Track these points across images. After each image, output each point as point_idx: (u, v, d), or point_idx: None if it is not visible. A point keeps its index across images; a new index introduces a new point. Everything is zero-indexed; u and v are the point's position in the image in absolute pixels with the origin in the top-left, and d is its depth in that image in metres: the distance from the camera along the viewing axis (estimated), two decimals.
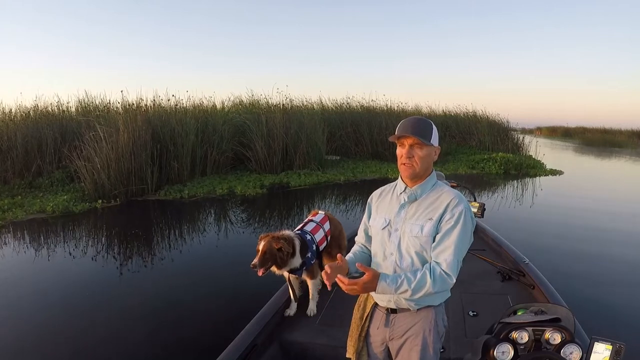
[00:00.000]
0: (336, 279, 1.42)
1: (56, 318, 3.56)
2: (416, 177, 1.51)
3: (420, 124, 1.48)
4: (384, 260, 1.55)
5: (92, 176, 7.77)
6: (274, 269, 2.69)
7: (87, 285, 4.25)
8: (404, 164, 1.48)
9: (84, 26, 46.90)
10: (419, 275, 1.42)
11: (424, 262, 1.48)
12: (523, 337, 1.64)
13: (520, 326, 1.66)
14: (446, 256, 1.42)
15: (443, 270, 1.41)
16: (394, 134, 1.50)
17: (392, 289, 1.40)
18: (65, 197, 7.54)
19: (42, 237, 5.87)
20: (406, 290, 1.40)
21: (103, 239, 5.86)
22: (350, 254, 1.70)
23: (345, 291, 1.41)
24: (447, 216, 1.45)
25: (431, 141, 1.47)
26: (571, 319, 1.71)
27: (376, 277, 1.40)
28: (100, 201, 7.45)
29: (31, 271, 4.66)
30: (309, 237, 2.97)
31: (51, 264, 4.82)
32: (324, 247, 3.15)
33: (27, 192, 8.14)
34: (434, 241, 1.47)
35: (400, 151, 1.50)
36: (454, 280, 1.43)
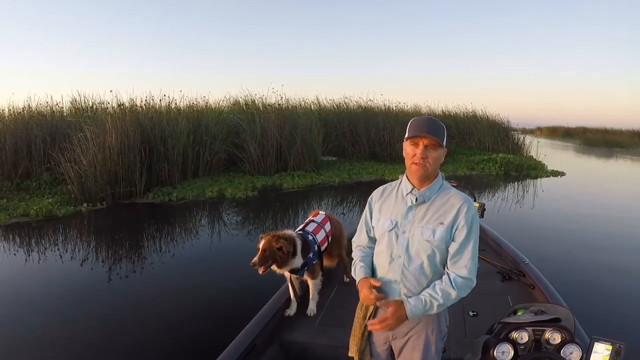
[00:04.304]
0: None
1: (45, 324, 3.47)
2: (426, 178, 1.50)
3: (435, 125, 1.48)
4: (390, 262, 1.54)
5: (79, 179, 7.56)
6: (274, 267, 2.69)
7: (74, 291, 4.15)
8: (417, 163, 1.47)
9: (83, 26, 46.83)
10: (439, 291, 1.45)
11: (433, 264, 1.50)
12: (523, 337, 1.65)
13: (520, 326, 1.67)
14: (466, 262, 1.47)
15: (464, 277, 1.46)
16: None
17: (422, 309, 1.45)
18: (50, 200, 7.33)
19: (23, 242, 5.69)
20: (436, 307, 1.45)
21: (87, 243, 5.68)
22: (361, 263, 1.66)
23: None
24: (460, 223, 1.47)
25: (443, 143, 1.48)
26: (571, 319, 1.72)
27: (398, 303, 1.45)
28: (85, 204, 7.24)
29: (11, 277, 4.52)
30: (310, 237, 2.95)
31: (32, 269, 4.66)
32: (325, 248, 3.15)
33: (14, 194, 7.94)
34: (447, 248, 1.49)
35: (413, 150, 1.48)
36: (475, 281, 1.49)
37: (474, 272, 1.48)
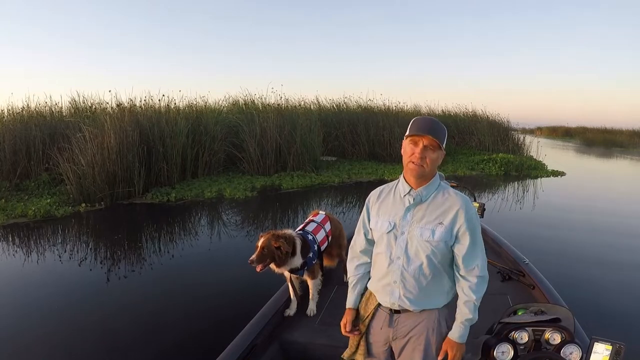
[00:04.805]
0: None
1: (43, 324, 3.45)
2: (423, 178, 1.50)
3: (437, 126, 1.48)
4: (389, 264, 1.54)
5: (78, 179, 7.53)
6: (273, 266, 2.71)
7: (72, 291, 4.14)
8: (415, 162, 1.46)
9: (82, 26, 46.76)
10: (464, 307, 1.51)
11: (432, 265, 1.50)
12: (523, 337, 1.66)
13: (520, 326, 1.68)
14: (477, 262, 1.50)
15: (477, 276, 1.51)
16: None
17: (464, 330, 1.52)
18: (48, 200, 7.30)
19: (21, 243, 5.66)
20: (473, 317, 1.52)
21: (85, 244, 5.65)
22: (351, 286, 1.72)
23: None
24: (462, 225, 1.48)
25: (443, 145, 1.49)
26: (571, 319, 1.73)
27: (448, 342, 1.53)
28: (83, 205, 7.21)
29: (8, 278, 4.51)
30: (310, 237, 2.95)
31: (30, 270, 4.63)
32: (325, 248, 3.16)
33: (12, 194, 7.91)
34: (447, 247, 1.50)
35: (412, 149, 1.47)
36: (488, 275, 1.54)
37: (485, 267, 1.53)
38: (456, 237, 1.50)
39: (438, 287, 1.55)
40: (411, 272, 1.50)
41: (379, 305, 1.62)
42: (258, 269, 2.59)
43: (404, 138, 1.52)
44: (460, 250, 1.50)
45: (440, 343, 1.57)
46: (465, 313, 1.51)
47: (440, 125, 1.49)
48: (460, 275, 1.53)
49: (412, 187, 1.52)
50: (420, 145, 1.45)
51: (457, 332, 1.52)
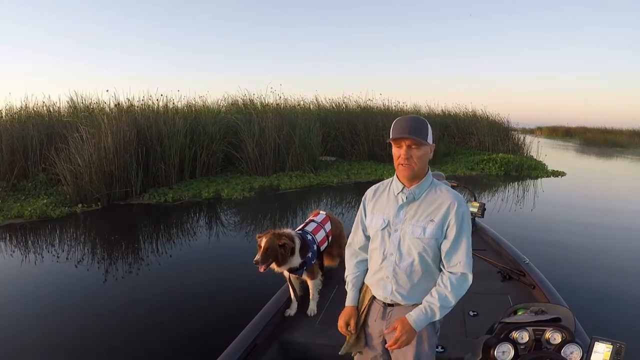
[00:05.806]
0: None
1: (39, 325, 3.42)
2: (414, 177, 1.53)
3: (416, 123, 1.49)
4: (383, 260, 1.57)
5: (74, 179, 7.49)
6: (273, 266, 2.71)
7: (70, 292, 4.12)
8: (402, 164, 1.49)
9: (81, 26, 46.72)
10: (435, 294, 1.49)
11: (424, 262, 1.52)
12: (523, 337, 1.66)
13: (520, 326, 1.67)
14: (460, 259, 1.50)
15: (459, 273, 1.50)
16: (390, 134, 1.46)
17: (424, 318, 1.48)
18: (45, 201, 7.26)
19: (18, 243, 5.62)
20: (438, 309, 1.48)
21: (82, 244, 5.62)
22: (351, 284, 1.72)
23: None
24: (451, 221, 1.49)
25: (427, 140, 1.48)
26: (571, 318, 1.73)
27: (403, 320, 1.49)
28: (80, 205, 7.16)
29: (4, 279, 4.49)
30: (309, 237, 2.96)
31: (25, 271, 4.60)
32: (325, 248, 3.15)
33: (9, 195, 7.87)
34: (439, 245, 1.52)
35: (397, 151, 1.51)
36: (471, 275, 1.51)
37: (469, 267, 1.51)
38: (445, 234, 1.51)
39: (430, 283, 1.56)
40: (403, 268, 1.53)
41: (374, 298, 1.65)
42: (261, 269, 2.59)
43: (389, 142, 1.55)
44: (445, 245, 1.51)
45: (434, 337, 1.60)
46: (432, 299, 1.49)
47: (419, 121, 1.50)
48: (444, 271, 1.54)
49: (404, 186, 1.56)
50: (404, 146, 1.48)
51: (414, 314, 1.49)
